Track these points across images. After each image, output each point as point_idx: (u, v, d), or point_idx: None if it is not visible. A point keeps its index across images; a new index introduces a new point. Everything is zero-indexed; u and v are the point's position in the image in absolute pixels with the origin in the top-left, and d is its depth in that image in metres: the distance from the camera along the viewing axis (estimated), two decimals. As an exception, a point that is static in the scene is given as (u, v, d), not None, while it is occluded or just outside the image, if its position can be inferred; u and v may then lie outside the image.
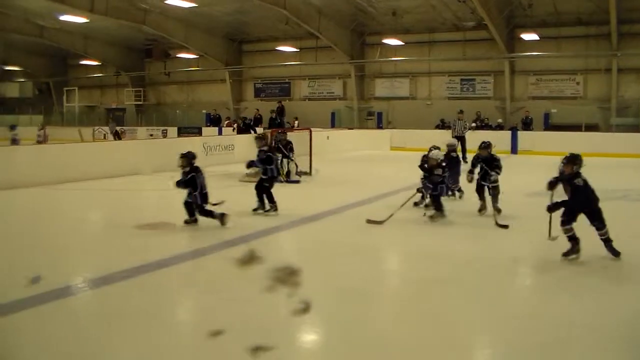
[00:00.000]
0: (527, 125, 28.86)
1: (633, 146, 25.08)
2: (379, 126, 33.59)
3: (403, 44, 32.79)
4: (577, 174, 8.06)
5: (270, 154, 11.95)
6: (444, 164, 11.11)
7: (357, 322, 6.06)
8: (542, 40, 29.59)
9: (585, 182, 8.01)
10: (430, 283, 7.29)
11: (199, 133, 31.98)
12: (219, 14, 32.38)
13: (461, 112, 24.23)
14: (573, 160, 8.17)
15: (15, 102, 46.32)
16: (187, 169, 10.46)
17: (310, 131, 19.78)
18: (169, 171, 10.76)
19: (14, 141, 23.58)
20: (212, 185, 10.52)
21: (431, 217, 10.83)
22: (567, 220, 8.09)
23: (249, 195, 12.10)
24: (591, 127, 28.09)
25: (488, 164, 11.30)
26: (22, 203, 13.56)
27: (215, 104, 37.92)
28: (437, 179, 10.91)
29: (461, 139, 22.38)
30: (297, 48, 35.48)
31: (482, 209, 11.51)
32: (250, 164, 12.03)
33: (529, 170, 19.73)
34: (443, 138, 22.92)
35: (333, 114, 35.03)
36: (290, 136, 17.95)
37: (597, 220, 8.04)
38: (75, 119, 41.54)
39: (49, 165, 16.31)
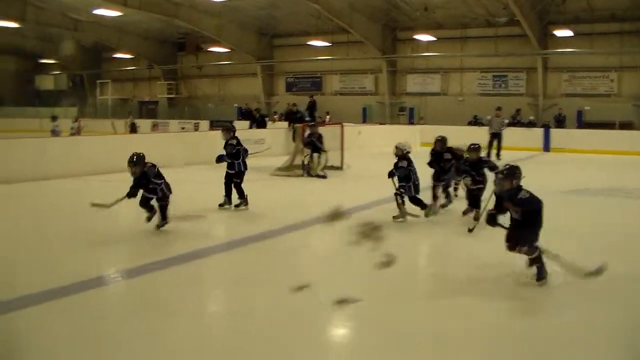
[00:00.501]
0: (560, 122, 28.59)
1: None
2: (411, 122, 33.49)
3: (435, 39, 32.72)
4: (519, 188, 6.91)
5: (239, 148, 11.49)
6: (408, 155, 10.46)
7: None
8: (575, 37, 29.34)
9: (530, 193, 6.90)
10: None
11: (231, 127, 32.14)
12: (251, 8, 32.55)
13: (499, 108, 23.68)
14: (512, 174, 6.96)
15: (50, 95, 46.84)
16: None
17: (342, 126, 19.81)
18: (200, 164, 10.85)
19: (54, 132, 23.81)
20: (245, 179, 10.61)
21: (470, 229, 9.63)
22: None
23: (281, 190, 12.15)
24: (625, 125, 27.77)
25: (474, 167, 10.50)
26: (56, 193, 13.76)
27: (247, 98, 38.04)
28: (404, 172, 10.28)
29: (497, 136, 22.28)
30: (328, 42, 35.44)
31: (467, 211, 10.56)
32: (219, 159, 11.52)
33: (562, 169, 19.64)
34: (475, 134, 22.98)
35: (364, 109, 35.04)
36: (322, 131, 17.97)
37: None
38: (108, 112, 41.89)
39: (83, 157, 16.52)
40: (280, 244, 9.02)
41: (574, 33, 29.09)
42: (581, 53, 30.00)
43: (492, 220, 7.16)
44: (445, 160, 11.48)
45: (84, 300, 6.40)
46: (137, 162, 9.19)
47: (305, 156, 17.06)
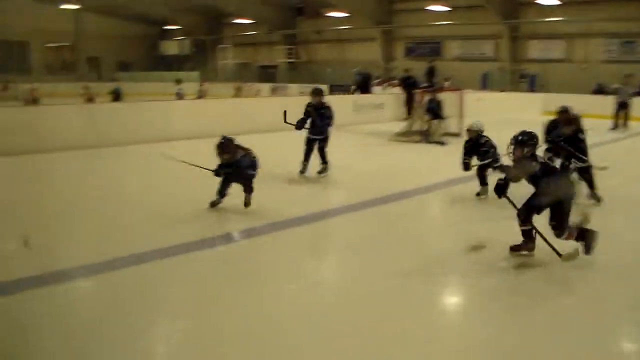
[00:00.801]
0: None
1: None
2: (532, 89, 32.66)
3: (559, 3, 31.59)
4: (533, 157, 6.63)
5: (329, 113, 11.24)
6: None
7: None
8: None
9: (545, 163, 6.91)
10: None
11: (349, 91, 32.17)
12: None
13: (629, 75, 22.09)
14: (525, 142, 6.63)
15: (174, 60, 48.25)
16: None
17: (461, 92, 19.58)
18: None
19: (179, 95, 24.63)
20: (360, 143, 10.65)
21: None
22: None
23: (398, 154, 12.16)
24: None
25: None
26: (180, 154, 14.25)
27: (366, 63, 37.96)
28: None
29: (625, 105, 21.30)
30: (448, 7, 34.89)
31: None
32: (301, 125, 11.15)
33: None
34: (599, 104, 22.19)
35: (484, 76, 34.40)
36: (441, 97, 17.83)
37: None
38: (229, 76, 42.77)
39: (208, 119, 17.02)
40: (402, 209, 9.07)
41: None
42: None
43: (500, 191, 6.78)
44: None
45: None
46: (225, 148, 8.30)
47: (425, 122, 17.03)
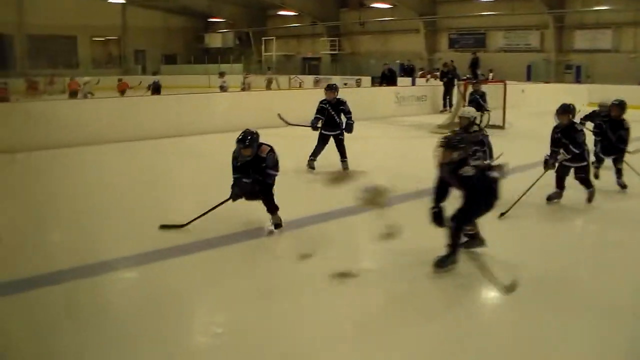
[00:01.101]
0: None
1: None
2: (577, 80, 32.21)
3: (607, -8, 31.10)
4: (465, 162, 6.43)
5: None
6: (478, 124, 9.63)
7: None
8: None
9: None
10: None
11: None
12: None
13: None
14: (455, 145, 6.34)
15: (218, 52, 48.55)
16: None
17: (505, 84, 19.42)
18: (364, 120, 10.96)
19: (222, 88, 24.80)
20: (401, 136, 10.59)
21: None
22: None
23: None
24: None
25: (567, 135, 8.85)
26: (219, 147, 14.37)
27: (409, 54, 37.82)
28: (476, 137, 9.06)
29: None
30: (493, -3, 34.63)
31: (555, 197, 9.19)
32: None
33: None
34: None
35: (529, 67, 34.04)
36: (485, 89, 17.71)
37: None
38: (273, 68, 42.93)
39: (250, 111, 17.13)
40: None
41: None
42: None
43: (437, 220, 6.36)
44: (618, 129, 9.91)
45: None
46: (250, 143, 7.29)
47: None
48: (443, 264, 6.20)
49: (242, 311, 5.37)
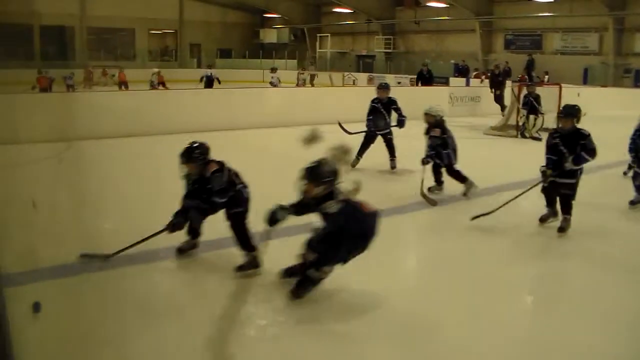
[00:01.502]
0: None
1: None
2: (637, 85, 31.64)
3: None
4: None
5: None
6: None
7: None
8: None
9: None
10: None
11: (447, 83, 31.92)
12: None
13: None
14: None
15: (272, 47, 48.89)
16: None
17: (560, 87, 19.18)
18: (414, 119, 10.87)
19: (272, 84, 25.06)
20: (457, 136, 10.47)
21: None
22: None
23: (492, 148, 12.03)
24: None
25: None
26: (274, 143, 14.53)
27: (464, 55, 37.56)
28: (436, 142, 9.13)
29: None
30: (551, -2, 34.16)
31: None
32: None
33: None
34: None
35: (586, 70, 33.50)
36: (539, 91, 17.52)
37: None
38: (327, 65, 43.03)
39: (303, 107, 17.28)
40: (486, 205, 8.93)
41: None
42: None
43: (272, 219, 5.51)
44: None
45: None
46: (189, 158, 6.11)
47: (521, 117, 16.79)
48: (297, 293, 5.51)
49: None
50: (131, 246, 6.13)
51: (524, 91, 17.32)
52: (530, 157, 13.40)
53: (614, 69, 33.17)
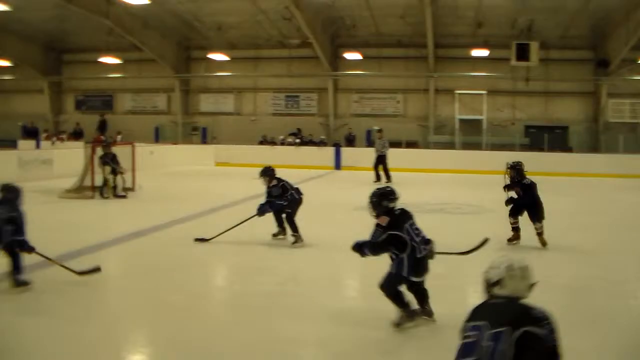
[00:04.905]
0: (350, 141, 29.55)
1: (449, 162, 26.44)
2: (204, 141, 33.25)
3: (229, 59, 32.69)
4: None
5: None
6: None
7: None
8: (364, 60, 30.73)
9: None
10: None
11: (14, 146, 30.31)
12: (36, 20, 30.74)
13: (380, 130, 23.34)
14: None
15: None
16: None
17: (134, 146, 19.25)
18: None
19: None
20: (29, 202, 9.82)
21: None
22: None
23: (72, 211, 11.54)
24: (411, 144, 29.33)
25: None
26: None
27: (33, 116, 36.08)
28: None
29: (382, 157, 22.01)
30: (120, 60, 34.29)
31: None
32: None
33: (352, 186, 20.23)
34: (268, 154, 23.29)
35: (157, 129, 34.32)
36: (114, 150, 17.36)
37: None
38: None
39: None
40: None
41: (363, 56, 30.35)
42: (370, 75, 31.38)
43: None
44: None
45: None
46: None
47: (105, 175, 16.45)
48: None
49: None
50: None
51: (100, 151, 16.99)
52: (114, 217, 13.21)
53: (182, 126, 34.52)
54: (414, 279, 6.05)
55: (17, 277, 7.28)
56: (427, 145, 29.81)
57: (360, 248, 6.13)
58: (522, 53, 26.09)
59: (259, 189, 10.68)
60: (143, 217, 13.07)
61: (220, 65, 33.40)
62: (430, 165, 26.01)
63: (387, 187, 6.50)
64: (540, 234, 10.09)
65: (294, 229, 10.18)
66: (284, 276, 8.44)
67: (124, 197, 16.18)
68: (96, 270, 7.74)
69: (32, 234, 7.47)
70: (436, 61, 29.83)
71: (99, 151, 16.90)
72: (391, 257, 6.09)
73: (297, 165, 24.50)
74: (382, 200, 6.20)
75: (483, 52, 28.75)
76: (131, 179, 17.76)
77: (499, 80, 29.67)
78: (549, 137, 27.70)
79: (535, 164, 23.52)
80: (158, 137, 33.88)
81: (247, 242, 10.30)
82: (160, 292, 7.49)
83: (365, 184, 19.01)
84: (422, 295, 6.25)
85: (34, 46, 35.08)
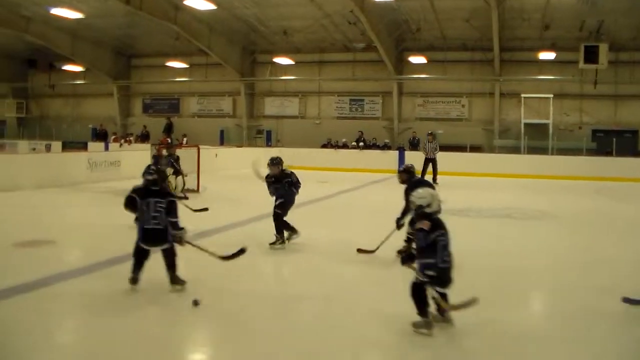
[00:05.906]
0: (414, 145, 29.35)
1: (514, 167, 26.05)
2: (268, 144, 33.52)
3: (293, 63, 32.97)
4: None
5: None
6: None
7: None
8: (429, 64, 30.57)
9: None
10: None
11: (85, 148, 31.04)
12: (107, 27, 31.59)
13: (431, 134, 23.64)
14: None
15: None
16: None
17: (199, 148, 19.52)
18: (53, 187, 10.24)
19: None
20: (96, 203, 10.08)
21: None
22: None
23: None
24: (476, 148, 29.04)
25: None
26: None
27: (103, 119, 36.98)
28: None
29: (432, 161, 22.71)
30: (187, 64, 34.94)
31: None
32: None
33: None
34: (331, 157, 23.32)
35: (222, 132, 34.75)
36: (179, 153, 17.63)
37: None
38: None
39: None
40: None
41: (427, 60, 30.21)
42: (434, 79, 31.21)
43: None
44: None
45: None
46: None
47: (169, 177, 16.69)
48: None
49: None
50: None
51: (165, 152, 17.29)
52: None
53: (247, 130, 34.87)
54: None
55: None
56: (492, 150, 29.43)
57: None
58: (591, 55, 25.53)
59: (326, 191, 10.69)
60: (207, 218, 13.21)
61: (285, 68, 33.73)
62: (495, 170, 25.70)
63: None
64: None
65: (279, 230, 10.15)
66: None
67: (185, 198, 16.35)
68: (241, 252, 7.84)
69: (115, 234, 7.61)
70: (502, 64, 29.49)
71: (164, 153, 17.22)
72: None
73: (360, 168, 24.46)
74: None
75: (550, 55, 28.31)
76: (196, 181, 18.02)
77: (565, 83, 29.21)
78: (617, 141, 27.03)
79: (603, 169, 23.34)
80: (223, 139, 34.28)
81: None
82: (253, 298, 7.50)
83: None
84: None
85: (104, 51, 36.05)
